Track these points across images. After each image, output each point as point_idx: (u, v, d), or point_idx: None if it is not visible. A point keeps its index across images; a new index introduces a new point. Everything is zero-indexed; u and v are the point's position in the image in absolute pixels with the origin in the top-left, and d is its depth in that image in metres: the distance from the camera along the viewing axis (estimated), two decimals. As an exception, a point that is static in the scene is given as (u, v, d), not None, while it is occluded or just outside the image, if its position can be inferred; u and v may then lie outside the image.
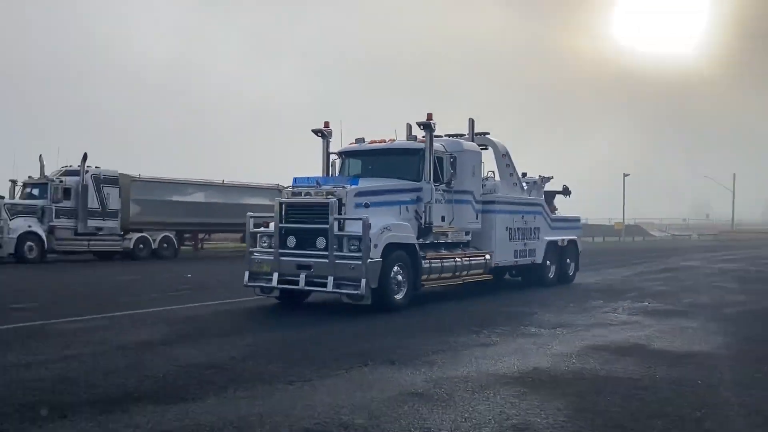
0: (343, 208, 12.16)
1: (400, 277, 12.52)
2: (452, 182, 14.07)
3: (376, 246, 11.87)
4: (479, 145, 16.90)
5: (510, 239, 16.48)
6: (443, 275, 13.94)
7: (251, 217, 13.18)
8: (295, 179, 12.92)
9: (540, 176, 20.05)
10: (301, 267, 12.20)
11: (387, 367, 7.84)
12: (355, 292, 11.66)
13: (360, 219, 11.75)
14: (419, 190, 13.43)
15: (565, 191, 21.39)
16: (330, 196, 12.19)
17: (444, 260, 13.94)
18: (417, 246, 13.00)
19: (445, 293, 15.70)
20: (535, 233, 17.57)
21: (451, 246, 14.73)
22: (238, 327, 11.21)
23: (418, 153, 13.65)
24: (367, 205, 12.47)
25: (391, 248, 12.26)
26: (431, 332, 10.41)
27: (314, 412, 5.94)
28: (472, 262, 14.91)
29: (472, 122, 15.92)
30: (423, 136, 13.86)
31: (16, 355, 8.37)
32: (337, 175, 14.69)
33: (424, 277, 13.35)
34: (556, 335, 10.12)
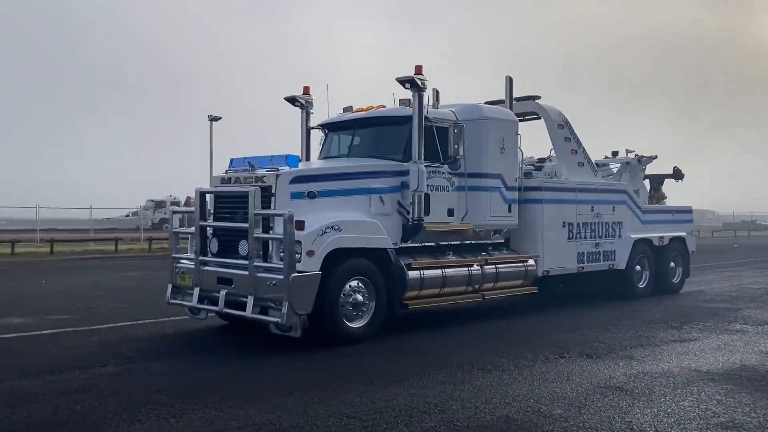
0: (273, 199, 8.57)
1: (359, 297, 8.72)
2: (458, 161, 10.00)
3: (311, 253, 8.17)
4: (526, 114, 12.61)
5: (570, 238, 12.02)
6: (446, 290, 9.93)
7: (175, 212, 9.89)
8: (231, 161, 9.49)
9: (636, 155, 15.19)
10: (222, 281, 8.78)
11: (584, 360, 7.82)
12: (275, 320, 8.06)
13: (281, 215, 8.11)
14: (404, 173, 9.48)
15: (677, 174, 16.32)
16: (259, 183, 8.69)
17: (447, 269, 9.91)
18: (392, 252, 9.11)
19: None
20: (614, 229, 12.93)
21: (472, 249, 10.66)
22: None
23: (407, 122, 9.67)
24: (311, 195, 8.79)
25: (342, 256, 8.51)
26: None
27: (512, 400, 6.08)
28: (501, 270, 10.73)
29: (509, 81, 11.58)
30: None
31: None
32: (319, 155, 11.09)
33: (412, 294, 9.46)
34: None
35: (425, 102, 9.54)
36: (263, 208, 8.50)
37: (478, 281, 10.36)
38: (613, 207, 12.99)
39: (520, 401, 6.02)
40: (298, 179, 8.78)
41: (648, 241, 13.66)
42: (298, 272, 8.02)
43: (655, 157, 15.73)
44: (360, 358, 8.04)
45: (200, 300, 9.02)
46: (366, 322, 8.80)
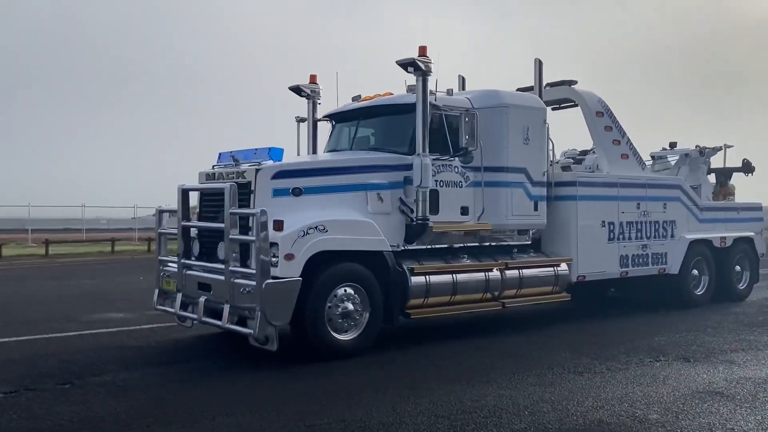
0: (252, 196, 7.72)
1: (350, 305, 7.76)
2: (471, 154, 8.89)
3: (290, 257, 7.27)
4: (561, 102, 11.36)
5: (611, 239, 10.67)
6: (459, 297, 8.84)
7: (162, 211, 9.17)
8: (219, 155, 8.69)
9: (697, 146, 13.56)
10: (202, 287, 8.00)
11: (681, 363, 7.49)
12: (249, 331, 7.20)
13: (254, 214, 7.24)
14: (406, 167, 8.44)
15: (746, 168, 14.54)
16: (240, 179, 7.87)
17: (459, 274, 8.82)
18: (390, 255, 8.10)
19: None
20: (665, 229, 11.47)
21: (493, 251, 9.53)
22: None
23: (413, 111, 8.59)
24: (297, 192, 7.88)
25: (329, 260, 7.58)
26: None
27: (605, 404, 5.87)
28: (526, 275, 9.53)
29: (538, 65, 10.31)
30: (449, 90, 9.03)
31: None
32: (325, 148, 10.18)
33: (417, 301, 8.44)
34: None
35: (430, 88, 8.47)
36: (243, 206, 7.68)
37: (498, 288, 9.22)
38: (664, 204, 11.50)
39: (614, 405, 5.85)
40: (282, 174, 7.88)
41: (707, 242, 12.09)
42: (274, 278, 7.14)
43: (722, 147, 14.04)
44: (446, 358, 7.80)
45: (183, 306, 8.27)
46: (358, 333, 7.82)
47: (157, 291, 8.83)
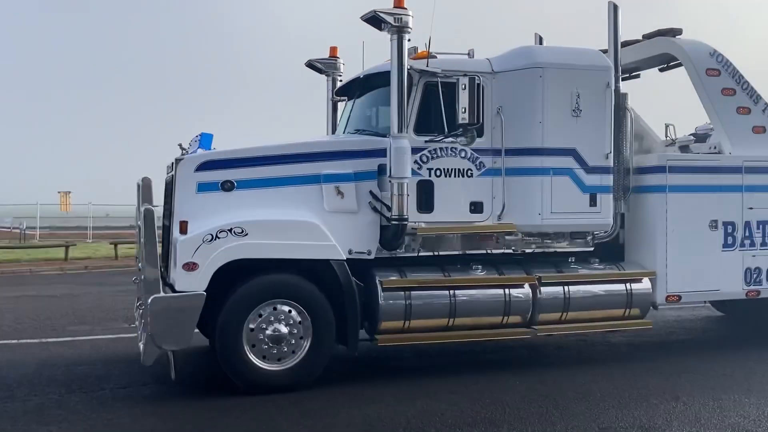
0: (173, 192, 6.42)
1: (283, 328, 6.06)
2: (469, 131, 6.63)
3: (192, 267, 5.83)
4: (660, 61, 8.52)
5: (729, 245, 7.57)
6: (461, 321, 6.68)
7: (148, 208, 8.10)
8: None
9: None
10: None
11: None
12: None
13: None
14: (380, 153, 6.52)
15: None
16: (171, 172, 6.62)
17: (460, 290, 6.65)
18: (342, 265, 6.24)
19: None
20: None
21: (535, 262, 7.19)
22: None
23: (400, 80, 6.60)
24: (228, 187, 6.36)
25: (255, 270, 6.01)
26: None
27: None
28: (576, 295, 7.00)
29: (613, 9, 7.48)
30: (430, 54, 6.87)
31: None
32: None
33: (393, 324, 6.50)
34: None
35: (406, 47, 6.40)
36: (168, 202, 6.44)
37: (527, 309, 6.84)
38: None
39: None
40: (208, 165, 6.41)
41: None
42: (171, 292, 5.79)
43: None
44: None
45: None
46: (295, 363, 6.11)
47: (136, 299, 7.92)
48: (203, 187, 6.33)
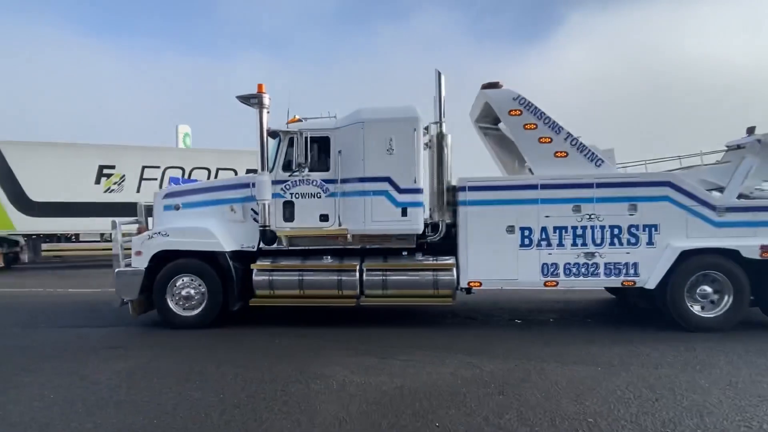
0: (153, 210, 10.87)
1: (191, 291, 10.15)
2: (302, 168, 9.93)
3: (139, 253, 10.23)
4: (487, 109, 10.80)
5: (526, 245, 9.74)
6: (309, 292, 10.08)
7: (113, 220, 12.53)
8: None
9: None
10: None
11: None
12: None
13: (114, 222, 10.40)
14: (244, 186, 10.34)
15: None
16: (161, 201, 11.12)
17: (307, 272, 10.06)
18: (224, 255, 10.09)
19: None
20: (634, 235, 9.60)
21: (376, 254, 10.26)
22: None
23: (276, 136, 10.33)
24: (177, 208, 10.63)
25: (175, 256, 10.19)
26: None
27: None
28: (392, 278, 9.96)
29: (437, 76, 10.02)
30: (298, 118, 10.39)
31: None
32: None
33: (264, 293, 10.21)
34: None
35: (265, 117, 9.98)
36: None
37: (354, 287, 9.97)
38: (633, 205, 9.56)
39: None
40: (168, 195, 10.77)
41: (729, 252, 9.37)
42: (127, 267, 10.22)
43: None
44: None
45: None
46: (198, 312, 10.14)
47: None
48: (166, 208, 10.69)
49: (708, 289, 9.48)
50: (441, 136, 10.01)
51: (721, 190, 10.31)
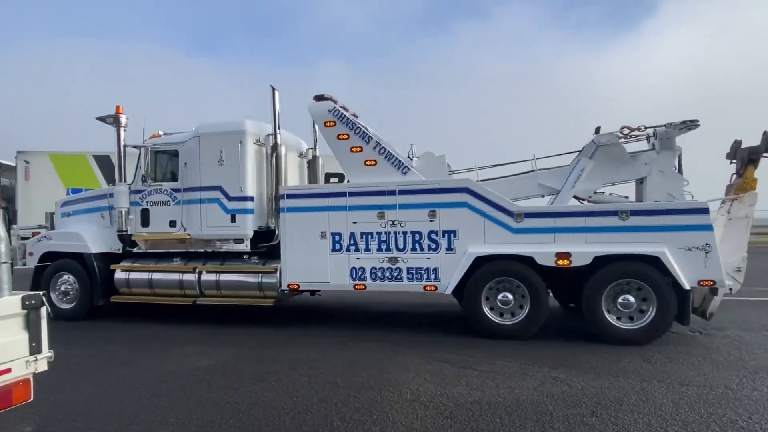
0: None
1: (68, 287, 11.54)
2: (146, 178, 11.00)
3: (31, 254, 11.82)
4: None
5: (337, 250, 10.06)
6: (158, 291, 11.10)
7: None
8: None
9: (626, 129, 9.90)
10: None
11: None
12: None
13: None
14: (111, 195, 11.50)
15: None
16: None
17: (155, 273, 11.09)
18: (89, 255, 11.38)
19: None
20: (434, 241, 9.64)
21: (222, 257, 11.09)
22: None
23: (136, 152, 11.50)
24: (68, 215, 12.08)
25: (53, 257, 11.64)
26: None
27: None
28: (223, 279, 10.72)
29: (272, 91, 10.60)
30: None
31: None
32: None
33: (125, 290, 11.41)
34: None
35: (122, 133, 11.11)
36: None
37: (194, 287, 10.83)
38: (433, 212, 9.58)
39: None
40: (63, 204, 12.28)
41: (524, 258, 9.15)
42: (22, 266, 11.83)
43: (682, 126, 9.39)
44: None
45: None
46: (73, 306, 11.51)
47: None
48: (62, 215, 12.21)
49: (510, 296, 9.30)
50: (276, 147, 10.60)
51: (558, 194, 10.01)
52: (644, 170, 10.05)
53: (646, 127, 9.87)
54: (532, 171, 10.61)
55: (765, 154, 9.13)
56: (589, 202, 10.19)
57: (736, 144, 9.56)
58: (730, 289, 9.04)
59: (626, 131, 9.87)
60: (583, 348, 8.58)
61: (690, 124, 9.76)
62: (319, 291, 11.33)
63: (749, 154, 9.28)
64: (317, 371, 7.51)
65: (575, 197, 10.21)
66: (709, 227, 8.55)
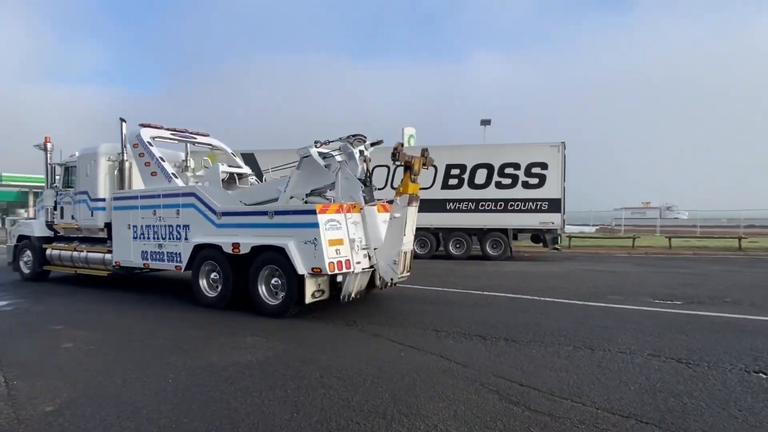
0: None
1: (27, 259, 16.50)
2: (56, 185, 15.42)
3: (11, 238, 17.04)
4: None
5: (135, 238, 13.52)
6: (65, 264, 15.51)
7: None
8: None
9: (320, 142, 11.86)
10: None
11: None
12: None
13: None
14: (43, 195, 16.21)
15: (394, 156, 10.92)
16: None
17: (63, 251, 15.51)
18: (34, 238, 16.16)
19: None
20: (179, 232, 12.65)
21: (93, 241, 15.18)
22: None
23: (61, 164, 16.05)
24: (39, 210, 17.08)
25: (21, 239, 16.72)
26: None
27: None
28: (89, 256, 14.81)
29: (120, 122, 14.27)
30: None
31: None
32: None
33: (55, 262, 15.96)
34: None
35: (49, 155, 15.71)
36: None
37: (77, 261, 15.05)
38: (177, 211, 12.51)
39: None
40: (39, 200, 17.28)
41: (218, 247, 11.75)
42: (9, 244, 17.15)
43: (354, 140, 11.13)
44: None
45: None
46: (28, 272, 16.45)
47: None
48: (40, 208, 17.28)
49: (216, 275, 11.89)
50: (122, 163, 14.37)
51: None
52: (333, 177, 11.65)
53: (330, 141, 11.52)
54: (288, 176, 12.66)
55: (397, 162, 10.47)
56: (305, 203, 12.01)
57: (399, 148, 10.73)
58: (391, 279, 10.67)
59: (318, 144, 11.60)
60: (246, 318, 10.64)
61: (363, 138, 11.21)
62: (137, 269, 14.54)
63: (405, 162, 10.59)
64: (342, 383, 6.62)
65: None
66: (316, 225, 10.33)
